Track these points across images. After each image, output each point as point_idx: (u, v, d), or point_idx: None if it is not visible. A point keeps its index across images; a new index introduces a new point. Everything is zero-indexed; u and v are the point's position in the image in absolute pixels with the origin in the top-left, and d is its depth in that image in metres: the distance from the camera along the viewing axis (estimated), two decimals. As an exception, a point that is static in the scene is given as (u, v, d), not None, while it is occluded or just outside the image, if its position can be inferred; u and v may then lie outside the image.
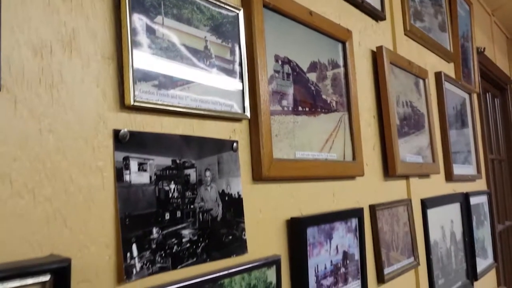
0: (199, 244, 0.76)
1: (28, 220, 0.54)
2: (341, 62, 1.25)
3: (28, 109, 0.56)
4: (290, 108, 1.03)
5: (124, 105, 0.67)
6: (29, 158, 0.56)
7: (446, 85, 2.07)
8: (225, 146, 0.85)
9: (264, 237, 0.91)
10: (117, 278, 0.63)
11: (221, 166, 0.83)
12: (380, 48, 1.46)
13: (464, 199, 2.09)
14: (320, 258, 1.03)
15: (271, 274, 0.86)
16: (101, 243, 0.62)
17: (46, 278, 0.49)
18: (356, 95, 1.29)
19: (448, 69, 2.21)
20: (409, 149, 1.60)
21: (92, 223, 0.61)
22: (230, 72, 0.87)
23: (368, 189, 1.33)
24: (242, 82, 0.89)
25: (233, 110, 0.86)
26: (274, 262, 0.87)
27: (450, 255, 1.87)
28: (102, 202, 0.63)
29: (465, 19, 2.41)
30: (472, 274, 2.05)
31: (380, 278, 1.29)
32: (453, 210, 1.98)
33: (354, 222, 1.18)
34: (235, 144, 0.87)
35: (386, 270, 1.31)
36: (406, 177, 1.60)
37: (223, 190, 0.83)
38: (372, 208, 1.31)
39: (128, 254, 0.64)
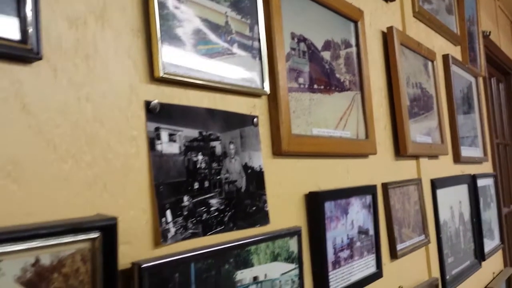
0: (226, 213, 0.79)
1: (72, 184, 0.57)
2: (353, 42, 1.27)
3: (67, 78, 0.59)
4: (306, 86, 1.05)
5: (153, 77, 0.69)
6: (70, 125, 0.58)
7: (453, 68, 2.09)
8: (246, 121, 0.88)
9: (284, 209, 0.94)
10: (154, 241, 0.66)
11: (243, 140, 0.86)
12: (390, 29, 1.48)
13: (471, 181, 2.12)
14: (337, 232, 1.06)
15: (293, 244, 0.89)
16: (139, 208, 0.64)
17: (95, 235, 0.51)
18: (368, 74, 1.31)
19: (455, 52, 2.22)
20: (419, 130, 1.62)
21: (130, 189, 0.64)
22: (249, 48, 0.89)
23: (380, 167, 1.35)
24: (261, 58, 0.91)
25: (253, 86, 0.89)
26: (296, 232, 0.90)
27: (459, 235, 1.90)
28: (137, 170, 0.65)
29: (470, 2, 2.41)
30: (480, 254, 2.09)
31: (393, 254, 1.32)
32: (461, 191, 2.00)
33: (368, 198, 1.21)
34: (255, 119, 0.89)
35: (399, 246, 1.34)
36: (416, 157, 1.62)
37: (246, 163, 0.85)
38: (385, 186, 1.34)
39: (163, 219, 0.67)
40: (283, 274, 0.86)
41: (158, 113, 0.70)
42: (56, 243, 0.48)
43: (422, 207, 1.56)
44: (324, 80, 1.12)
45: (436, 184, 1.71)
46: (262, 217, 0.87)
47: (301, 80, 1.03)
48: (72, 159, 0.58)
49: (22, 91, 0.54)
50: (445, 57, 2.04)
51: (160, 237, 0.66)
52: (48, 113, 0.56)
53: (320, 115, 1.08)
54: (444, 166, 1.88)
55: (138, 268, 0.59)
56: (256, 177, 0.87)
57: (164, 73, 0.69)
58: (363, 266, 1.15)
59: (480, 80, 2.55)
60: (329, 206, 1.03)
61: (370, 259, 1.19)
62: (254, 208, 0.86)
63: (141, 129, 0.67)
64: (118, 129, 0.64)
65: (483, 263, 2.10)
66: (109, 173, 0.62)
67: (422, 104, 1.71)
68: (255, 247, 0.81)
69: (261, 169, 0.89)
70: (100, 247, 0.52)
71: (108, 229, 0.52)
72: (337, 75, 1.18)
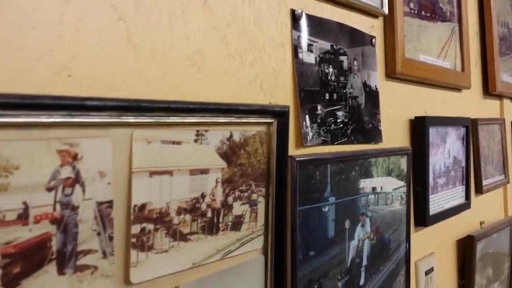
0: (349, 126, 0.83)
1: (239, 79, 0.62)
2: (455, -29, 1.24)
3: (234, -20, 0.62)
4: (416, 11, 1.04)
5: (298, -13, 0.72)
6: (237, 26, 0.62)
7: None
8: (366, 40, 0.89)
9: (393, 130, 0.97)
10: (295, 142, 0.71)
11: (363, 58, 0.88)
12: (487, -39, 1.42)
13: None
14: (437, 158, 1.08)
15: (403, 162, 0.93)
16: (286, 109, 0.69)
17: (271, 119, 0.56)
18: (466, 7, 1.28)
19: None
20: (504, 70, 1.58)
21: (278, 91, 0.68)
22: (371, -32, 0.89)
23: (471, 103, 1.35)
24: (380, -21, 0.91)
25: (374, 4, 0.89)
26: (406, 152, 0.93)
27: (532, 181, 1.88)
28: (284, 74, 0.69)
29: None
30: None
31: (479, 188, 1.34)
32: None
33: (462, 131, 1.22)
34: (373, 40, 0.91)
35: (484, 182, 1.36)
36: (500, 97, 1.59)
37: (365, 81, 0.88)
38: (474, 122, 1.33)
39: (304, 123, 0.72)
40: (394, 189, 0.91)
41: (300, 23, 0.73)
42: (245, 122, 0.53)
43: (504, 147, 1.55)
44: (430, 8, 1.10)
45: (516, 127, 1.68)
46: (377, 135, 0.90)
47: (411, 5, 1.03)
48: (239, 57, 0.62)
49: (203, -13, 0.58)
50: (532, -3, 1.93)
51: (302, 138, 0.71)
52: (222, 12, 0.60)
53: (426, 42, 1.08)
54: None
55: (292, 160, 0.65)
56: (372, 96, 0.90)
57: (308, -17, 0.72)
58: (455, 196, 1.18)
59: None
60: (431, 132, 1.05)
61: (460, 190, 1.22)
62: (370, 125, 0.89)
63: (287, 36, 0.70)
64: (271, 34, 0.67)
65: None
66: (264, 74, 0.66)
67: (508, 44, 1.66)
68: (375, 159, 0.85)
69: (376, 88, 0.91)
70: (274, 132, 0.57)
71: (282, 115, 0.57)
72: (440, 4, 1.16)
